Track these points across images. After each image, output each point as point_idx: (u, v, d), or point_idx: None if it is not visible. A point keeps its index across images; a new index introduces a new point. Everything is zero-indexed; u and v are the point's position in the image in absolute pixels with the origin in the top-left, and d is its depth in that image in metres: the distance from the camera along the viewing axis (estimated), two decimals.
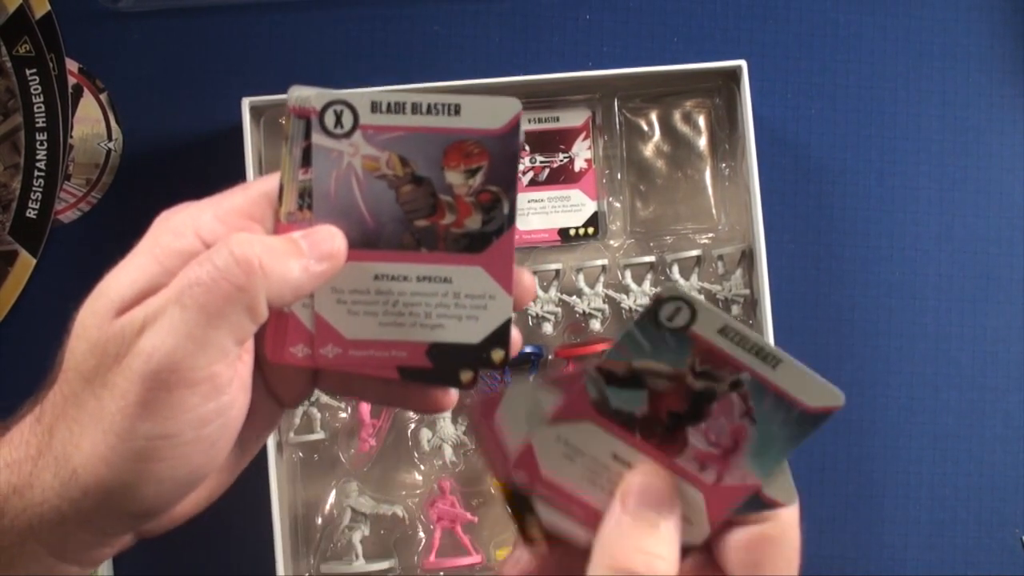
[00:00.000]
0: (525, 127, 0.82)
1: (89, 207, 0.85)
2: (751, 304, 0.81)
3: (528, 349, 0.80)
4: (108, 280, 0.38)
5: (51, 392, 0.38)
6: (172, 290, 0.36)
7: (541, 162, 0.83)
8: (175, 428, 0.36)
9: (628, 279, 0.81)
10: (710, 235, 0.83)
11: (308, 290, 0.39)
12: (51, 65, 0.84)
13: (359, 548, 0.80)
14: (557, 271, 0.82)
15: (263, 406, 0.41)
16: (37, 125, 0.83)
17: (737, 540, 0.36)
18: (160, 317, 0.35)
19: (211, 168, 0.84)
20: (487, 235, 0.40)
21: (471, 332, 0.41)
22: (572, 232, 0.83)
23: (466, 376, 0.40)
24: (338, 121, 0.39)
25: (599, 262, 0.82)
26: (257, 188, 0.40)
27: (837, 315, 0.85)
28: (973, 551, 0.84)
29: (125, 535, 0.39)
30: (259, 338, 0.39)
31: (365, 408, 0.81)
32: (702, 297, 0.81)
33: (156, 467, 0.36)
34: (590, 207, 0.83)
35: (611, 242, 0.84)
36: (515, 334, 0.41)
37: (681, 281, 0.81)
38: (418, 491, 0.82)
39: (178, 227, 0.38)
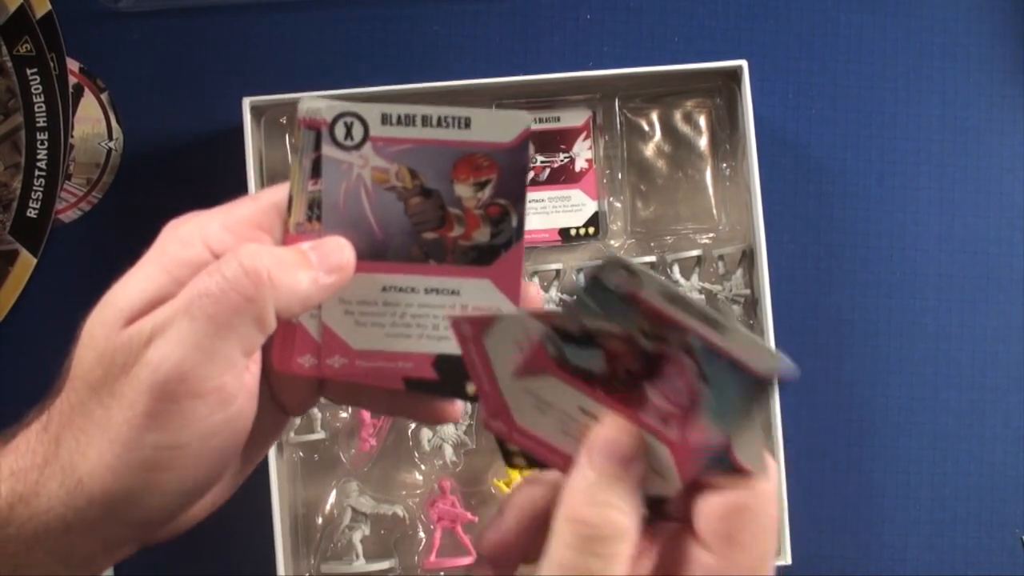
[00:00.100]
0: None
1: (90, 207, 0.85)
2: (751, 304, 0.81)
3: None
4: (116, 289, 0.37)
5: (58, 401, 0.38)
6: (181, 300, 0.36)
7: (542, 162, 0.83)
8: (182, 439, 0.36)
9: None
10: (711, 235, 0.83)
11: (317, 301, 0.39)
12: (52, 65, 0.83)
13: (359, 548, 0.80)
14: (557, 271, 0.82)
15: (269, 414, 0.41)
16: (38, 125, 0.83)
17: (711, 509, 0.35)
18: (168, 328, 0.35)
19: (212, 168, 0.83)
20: (495, 248, 0.40)
21: None
22: (573, 232, 0.83)
23: (472, 388, 0.40)
24: (348, 133, 0.39)
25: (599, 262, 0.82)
26: (266, 198, 0.40)
27: (837, 315, 0.85)
28: (973, 551, 0.84)
29: (130, 543, 0.39)
30: (266, 347, 0.39)
31: None
32: (702, 297, 0.81)
33: (162, 477, 0.36)
34: (591, 207, 0.83)
35: (612, 242, 0.84)
36: None
37: (682, 281, 0.81)
38: (418, 491, 0.82)
39: (186, 237, 0.38)
